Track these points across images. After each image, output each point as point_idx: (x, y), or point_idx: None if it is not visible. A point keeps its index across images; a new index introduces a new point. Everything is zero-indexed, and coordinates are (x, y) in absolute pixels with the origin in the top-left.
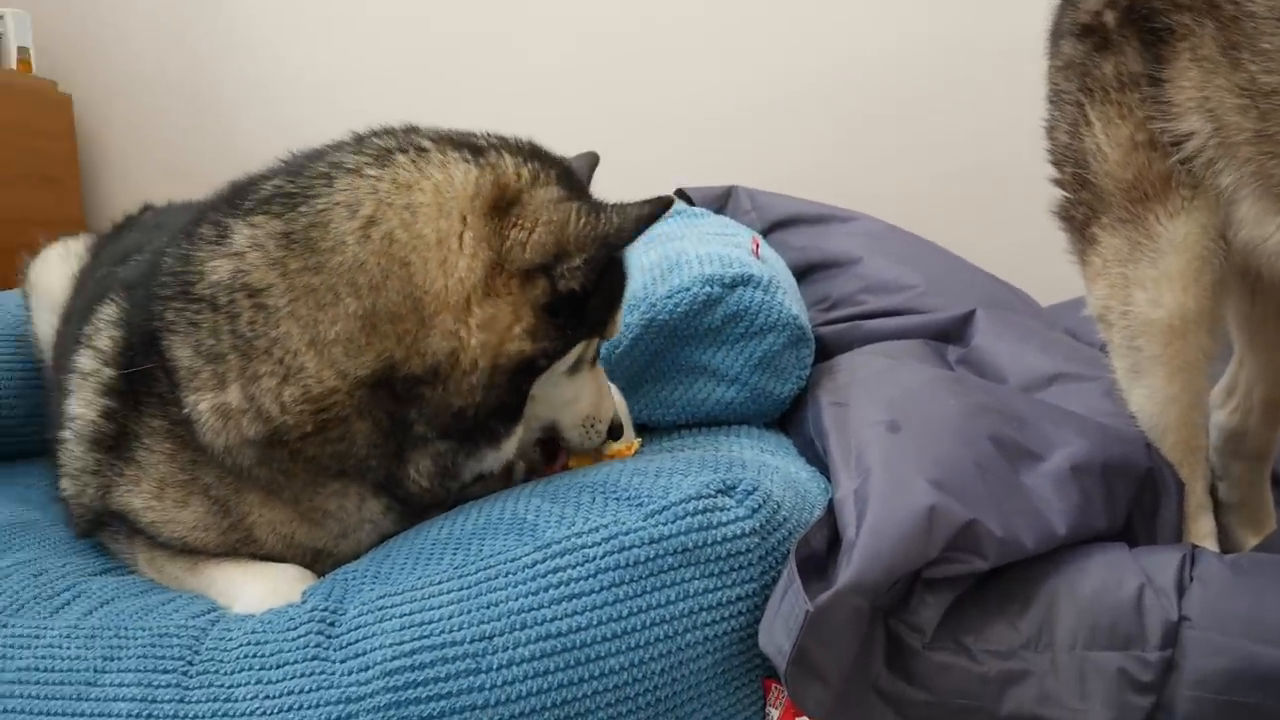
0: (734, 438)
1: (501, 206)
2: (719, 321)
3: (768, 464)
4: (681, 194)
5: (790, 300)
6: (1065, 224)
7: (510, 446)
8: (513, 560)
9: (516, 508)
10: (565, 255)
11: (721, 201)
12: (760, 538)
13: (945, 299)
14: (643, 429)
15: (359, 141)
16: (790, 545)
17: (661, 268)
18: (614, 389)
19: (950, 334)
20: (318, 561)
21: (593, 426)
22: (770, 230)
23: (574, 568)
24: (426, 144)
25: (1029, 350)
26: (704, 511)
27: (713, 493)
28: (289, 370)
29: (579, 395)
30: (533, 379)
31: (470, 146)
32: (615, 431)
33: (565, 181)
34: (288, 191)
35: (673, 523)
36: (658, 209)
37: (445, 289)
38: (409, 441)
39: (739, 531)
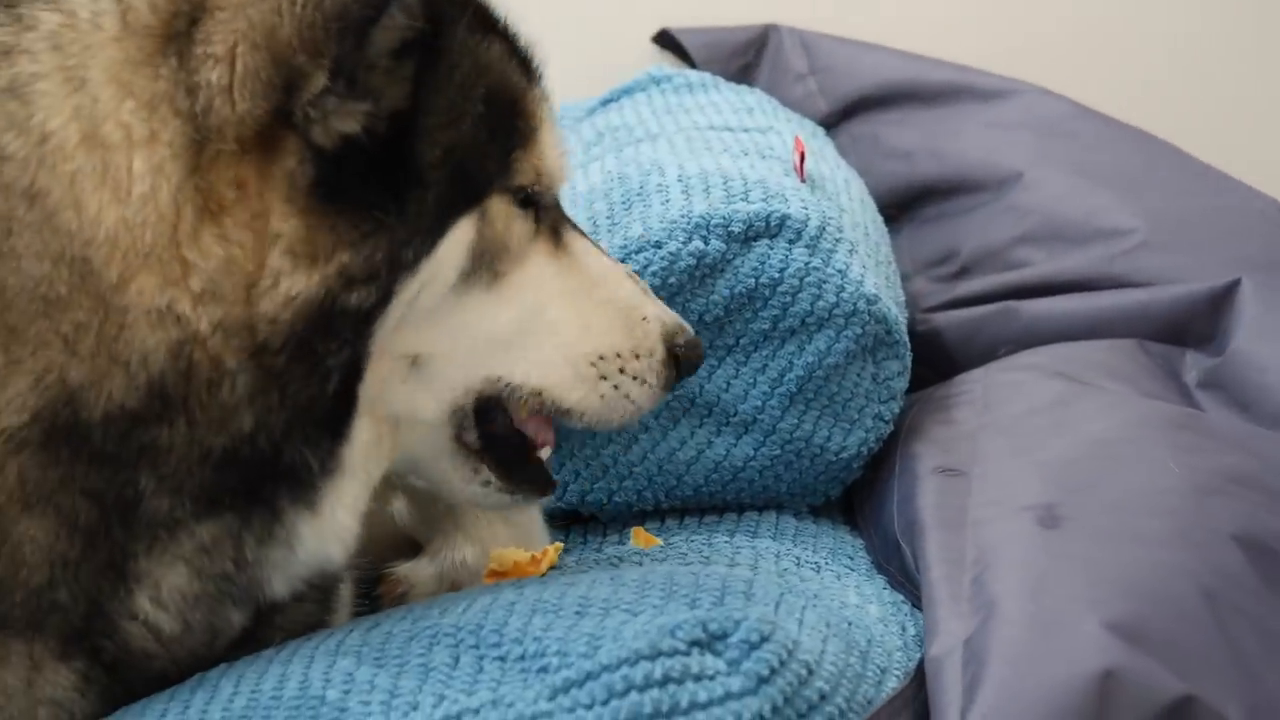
0: (745, 538)
1: (180, 30)
2: (720, 308)
3: (798, 589)
4: (669, 42)
5: (864, 264)
6: None
7: (347, 500)
8: None
9: (309, 675)
10: (298, 77)
11: (749, 56)
12: None
13: (1185, 256)
14: (573, 520)
15: None
16: None
17: (613, 198)
18: None
19: (1190, 327)
20: None
21: (635, 361)
22: (845, 116)
23: None
24: None
25: None
26: (663, 683)
27: (683, 646)
28: None
29: (536, 314)
30: (360, 337)
31: None
32: (688, 361)
33: None
34: None
35: (600, 706)
36: None
37: (125, 226)
38: (140, 540)
39: (727, 718)
